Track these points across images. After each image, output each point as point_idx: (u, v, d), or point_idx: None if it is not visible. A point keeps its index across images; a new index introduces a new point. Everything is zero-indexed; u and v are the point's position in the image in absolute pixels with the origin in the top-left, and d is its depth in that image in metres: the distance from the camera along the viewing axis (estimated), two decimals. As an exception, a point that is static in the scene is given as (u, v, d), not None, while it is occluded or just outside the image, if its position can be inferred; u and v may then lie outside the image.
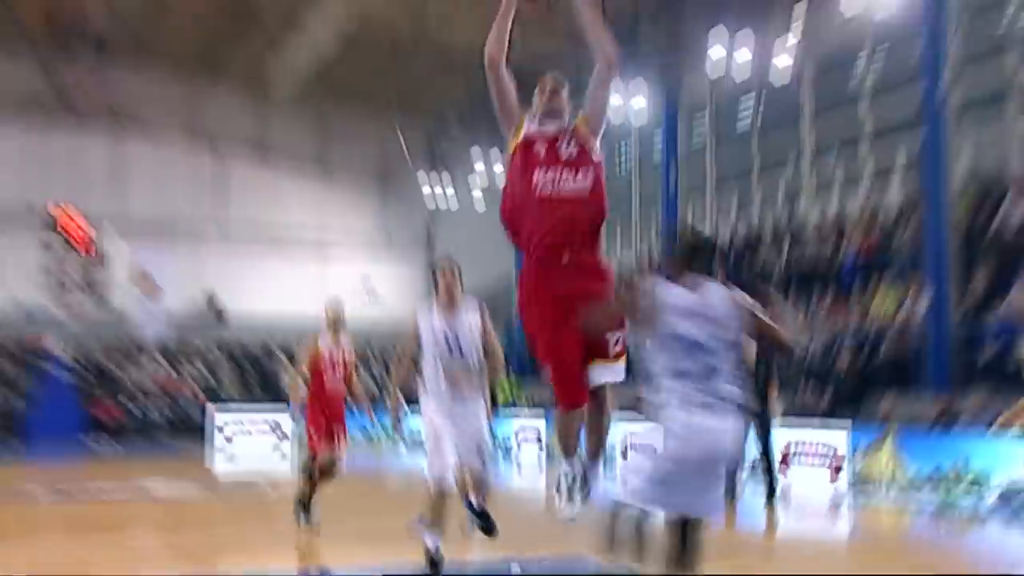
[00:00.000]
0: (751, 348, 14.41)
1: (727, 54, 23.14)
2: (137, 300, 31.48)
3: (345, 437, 11.33)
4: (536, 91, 5.89)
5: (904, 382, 18.83)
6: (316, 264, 35.82)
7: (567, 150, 5.61)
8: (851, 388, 19.57)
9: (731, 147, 27.22)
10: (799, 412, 17.91)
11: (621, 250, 30.68)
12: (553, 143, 5.63)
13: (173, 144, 34.24)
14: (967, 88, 19.92)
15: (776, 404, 14.58)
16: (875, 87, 22.83)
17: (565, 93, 5.88)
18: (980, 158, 19.99)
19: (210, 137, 34.90)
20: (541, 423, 22.34)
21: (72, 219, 31.01)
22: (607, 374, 5.65)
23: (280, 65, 31.75)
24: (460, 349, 8.04)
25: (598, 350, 5.58)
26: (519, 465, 22.36)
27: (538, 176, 5.53)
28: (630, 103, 26.14)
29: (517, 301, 5.73)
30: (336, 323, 11.33)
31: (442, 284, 8.19)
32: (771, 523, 13.23)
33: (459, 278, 8.22)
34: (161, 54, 32.25)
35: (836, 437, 16.80)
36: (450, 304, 8.14)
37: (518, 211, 5.64)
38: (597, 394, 5.67)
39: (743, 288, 6.02)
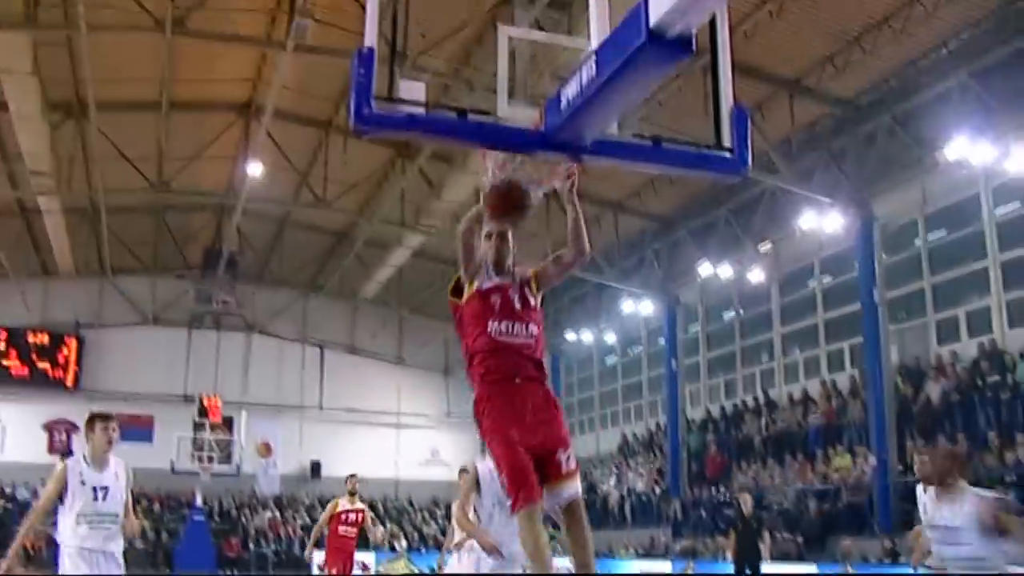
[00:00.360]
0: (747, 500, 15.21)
1: (713, 272, 24.07)
2: (258, 463, 32.08)
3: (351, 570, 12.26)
4: (486, 240, 5.22)
5: (860, 525, 18.79)
6: (392, 435, 36.22)
7: (518, 303, 5.09)
8: (817, 531, 19.50)
9: (718, 340, 27.57)
10: (779, 556, 17.90)
11: (635, 421, 31.54)
12: (507, 295, 5.10)
13: (287, 342, 35.25)
14: (894, 295, 20.55)
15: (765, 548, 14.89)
16: (825, 295, 23.24)
17: (511, 242, 5.27)
18: (906, 348, 20.45)
19: (314, 336, 35.68)
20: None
21: (213, 402, 31.99)
22: (569, 490, 4.84)
23: (365, 280, 32.80)
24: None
25: (551, 469, 4.83)
26: None
27: (492, 326, 5.00)
28: (639, 308, 27.32)
29: (480, 426, 5.04)
30: (354, 489, 12.29)
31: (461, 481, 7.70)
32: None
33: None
34: (278, 274, 33.43)
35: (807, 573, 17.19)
36: None
37: (475, 351, 5.04)
38: (573, 510, 4.88)
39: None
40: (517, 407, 4.88)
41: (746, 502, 14.99)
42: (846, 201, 20.08)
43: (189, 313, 33.60)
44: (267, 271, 33.54)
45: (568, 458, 4.87)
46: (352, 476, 12.64)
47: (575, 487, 4.88)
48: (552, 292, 31.94)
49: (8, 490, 30.61)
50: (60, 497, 5.83)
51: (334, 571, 12.19)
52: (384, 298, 33.97)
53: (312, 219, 29.17)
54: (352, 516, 12.19)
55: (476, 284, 5.16)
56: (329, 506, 12.43)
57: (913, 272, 20.57)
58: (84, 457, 5.94)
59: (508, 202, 4.96)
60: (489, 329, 5.01)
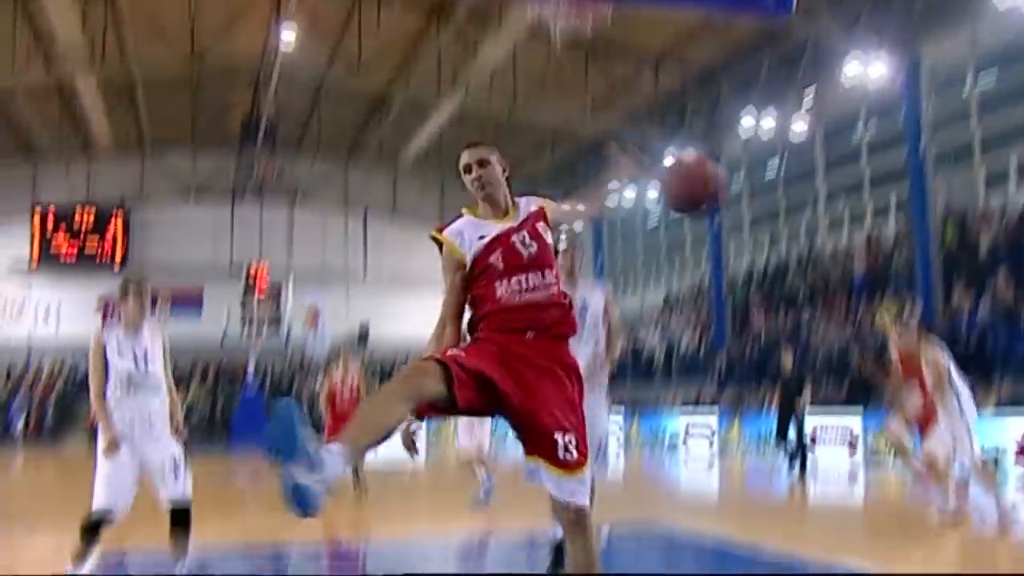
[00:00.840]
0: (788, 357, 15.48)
1: (755, 123, 23.51)
2: (306, 330, 32.69)
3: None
4: (465, 175, 4.07)
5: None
6: (435, 298, 36.57)
7: (525, 247, 3.92)
8: (862, 381, 19.39)
9: (762, 195, 27.56)
10: (823, 402, 18.08)
11: (679, 277, 31.72)
12: (509, 244, 3.91)
13: (329, 210, 35.57)
14: (942, 143, 20.25)
15: (806, 400, 15.11)
16: (871, 144, 23.14)
17: (494, 159, 4.08)
18: (953, 198, 20.27)
19: (356, 203, 36.06)
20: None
21: (260, 270, 32.52)
22: (562, 489, 3.65)
23: (405, 144, 32.81)
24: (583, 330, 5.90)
25: (541, 445, 3.65)
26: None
27: (500, 289, 3.85)
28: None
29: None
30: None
31: (563, 260, 6.18)
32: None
33: (578, 255, 6.53)
34: (318, 142, 33.38)
35: (852, 421, 17.41)
36: (572, 279, 6.23)
37: (480, 318, 3.93)
38: (575, 523, 3.70)
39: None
40: (513, 355, 3.71)
41: (786, 359, 15.28)
42: (892, 45, 19.56)
43: (231, 185, 33.91)
44: (306, 140, 33.53)
45: (569, 444, 3.64)
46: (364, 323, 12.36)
47: (573, 487, 3.66)
48: (591, 149, 31.75)
49: (67, 371, 31.59)
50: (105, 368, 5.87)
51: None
52: (425, 162, 33.94)
53: (348, 86, 28.94)
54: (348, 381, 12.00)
55: (466, 246, 3.98)
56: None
57: (962, 119, 20.19)
58: (118, 325, 5.95)
59: (694, 189, 4.06)
60: (498, 294, 3.87)
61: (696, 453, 20.90)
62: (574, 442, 3.65)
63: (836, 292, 22.36)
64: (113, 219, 33.94)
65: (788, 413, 14.87)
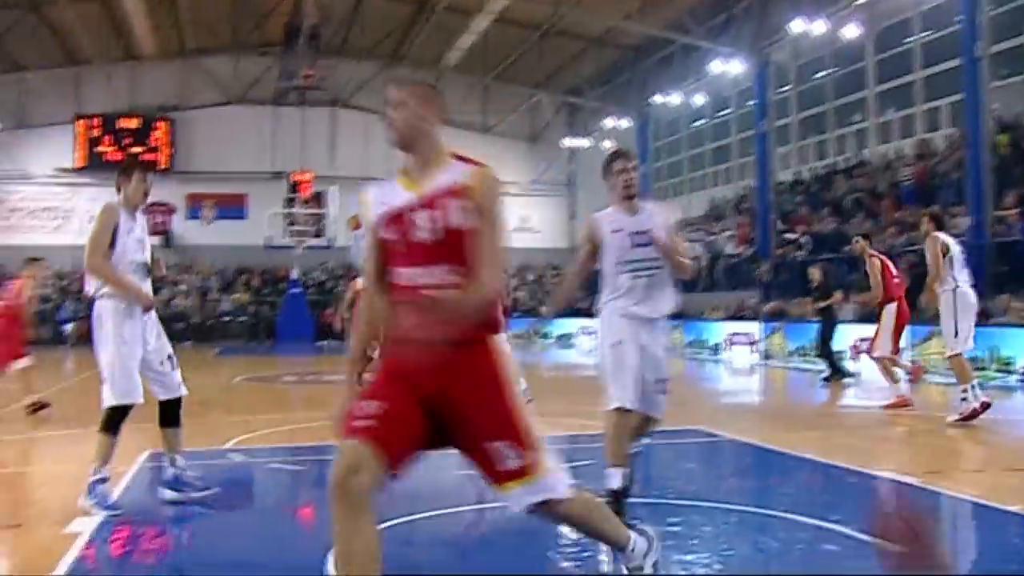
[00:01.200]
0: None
1: (805, 29, 22.82)
2: (349, 235, 32.88)
3: None
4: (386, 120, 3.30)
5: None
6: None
7: (425, 231, 3.10)
8: (910, 291, 19.77)
9: (810, 100, 26.75)
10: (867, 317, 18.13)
11: (724, 183, 31.36)
12: (403, 224, 3.13)
13: (371, 114, 35.44)
14: (998, 49, 19.47)
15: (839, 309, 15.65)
16: (924, 50, 22.37)
17: (413, 102, 3.24)
18: (1008, 105, 19.75)
19: (397, 107, 35.95)
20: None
21: (303, 177, 32.69)
22: (521, 502, 3.14)
23: (448, 48, 32.49)
24: (652, 252, 5.24)
25: (481, 465, 3.13)
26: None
27: (398, 278, 3.17)
28: (727, 68, 26.58)
29: None
30: None
31: (619, 181, 5.33)
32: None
33: (637, 174, 5.41)
34: (360, 46, 33.22)
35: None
36: (631, 202, 5.35)
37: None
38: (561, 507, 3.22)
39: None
40: (412, 377, 3.08)
41: (813, 272, 15.60)
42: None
43: (274, 90, 33.91)
44: (348, 44, 33.34)
45: (506, 451, 3.08)
46: None
47: (525, 498, 3.14)
48: (636, 53, 31.26)
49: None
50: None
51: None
52: (468, 66, 33.66)
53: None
54: None
55: (373, 209, 3.25)
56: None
57: (1018, 24, 19.56)
58: (120, 205, 5.82)
59: None
60: (396, 283, 3.19)
61: (739, 362, 20.96)
62: (511, 447, 3.09)
63: (884, 200, 22.01)
64: (157, 126, 34.17)
65: (824, 324, 15.30)
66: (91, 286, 5.73)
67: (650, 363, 5.23)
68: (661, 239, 5.22)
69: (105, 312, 5.65)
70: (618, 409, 5.11)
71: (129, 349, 5.62)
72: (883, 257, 11.49)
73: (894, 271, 11.44)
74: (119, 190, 5.81)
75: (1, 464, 7.73)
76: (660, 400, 5.37)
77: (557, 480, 3.18)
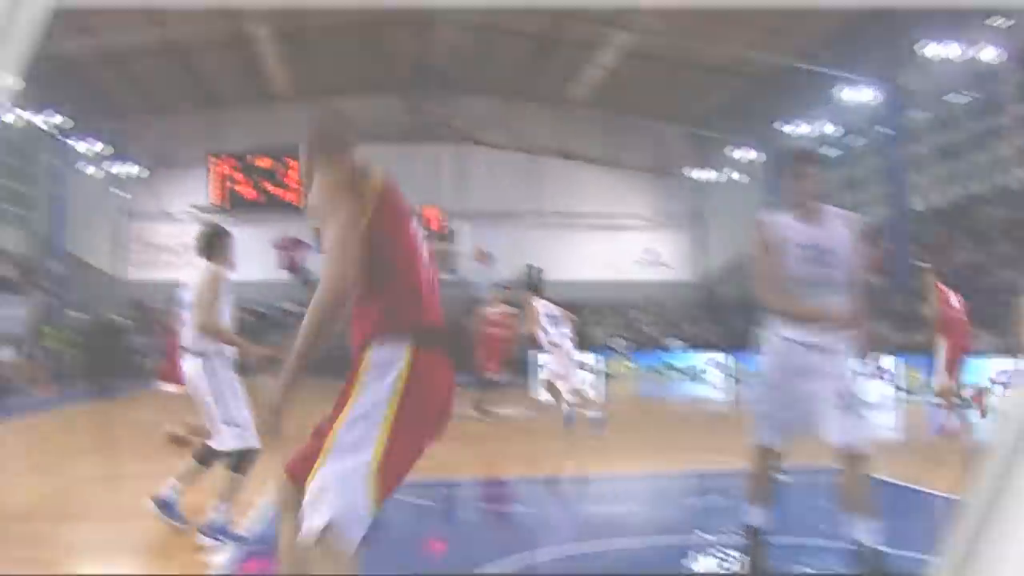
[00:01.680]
0: None
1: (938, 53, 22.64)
2: (476, 269, 33.31)
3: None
4: None
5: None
6: (607, 238, 36.68)
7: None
8: None
9: (945, 126, 26.29)
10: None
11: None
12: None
13: (498, 151, 35.77)
14: None
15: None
16: None
17: (304, 157, 3.31)
18: None
19: (526, 143, 36.12)
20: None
21: (431, 213, 33.25)
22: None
23: (574, 83, 32.72)
24: (828, 267, 4.54)
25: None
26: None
27: None
28: (857, 95, 26.06)
29: None
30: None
31: (796, 186, 4.63)
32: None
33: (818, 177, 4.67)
34: (485, 83, 33.76)
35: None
36: (811, 209, 4.62)
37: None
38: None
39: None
40: None
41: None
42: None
43: (401, 127, 34.61)
44: (474, 81, 33.82)
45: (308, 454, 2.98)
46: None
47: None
48: (760, 83, 30.90)
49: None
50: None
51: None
52: (595, 100, 33.81)
53: (513, 23, 29.05)
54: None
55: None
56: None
57: None
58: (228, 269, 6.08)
59: None
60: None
61: (872, 395, 20.35)
62: (312, 451, 2.95)
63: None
64: (291, 165, 35.32)
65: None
66: None
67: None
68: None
69: None
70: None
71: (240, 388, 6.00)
72: (942, 286, 11.48)
73: (954, 301, 11.33)
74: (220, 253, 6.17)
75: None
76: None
77: (306, 508, 2.84)
